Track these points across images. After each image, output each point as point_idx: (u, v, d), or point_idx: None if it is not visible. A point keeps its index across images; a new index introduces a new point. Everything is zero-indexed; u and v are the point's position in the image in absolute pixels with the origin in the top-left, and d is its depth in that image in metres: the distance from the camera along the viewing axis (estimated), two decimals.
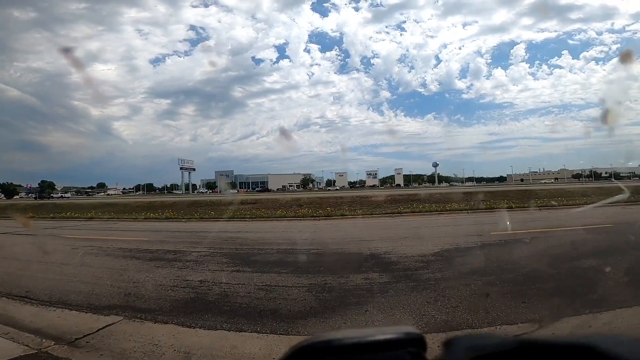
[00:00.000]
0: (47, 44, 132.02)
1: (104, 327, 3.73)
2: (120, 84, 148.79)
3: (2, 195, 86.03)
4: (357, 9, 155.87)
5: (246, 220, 15.65)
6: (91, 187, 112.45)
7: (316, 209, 18.55)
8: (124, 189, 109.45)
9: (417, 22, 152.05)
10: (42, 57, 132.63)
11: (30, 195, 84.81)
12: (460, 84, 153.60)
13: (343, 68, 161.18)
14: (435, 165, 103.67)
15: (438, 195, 26.21)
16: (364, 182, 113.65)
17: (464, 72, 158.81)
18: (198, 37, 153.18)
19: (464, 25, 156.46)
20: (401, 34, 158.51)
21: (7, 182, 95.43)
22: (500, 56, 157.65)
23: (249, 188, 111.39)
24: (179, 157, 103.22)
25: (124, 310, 4.25)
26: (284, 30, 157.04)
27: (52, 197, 72.66)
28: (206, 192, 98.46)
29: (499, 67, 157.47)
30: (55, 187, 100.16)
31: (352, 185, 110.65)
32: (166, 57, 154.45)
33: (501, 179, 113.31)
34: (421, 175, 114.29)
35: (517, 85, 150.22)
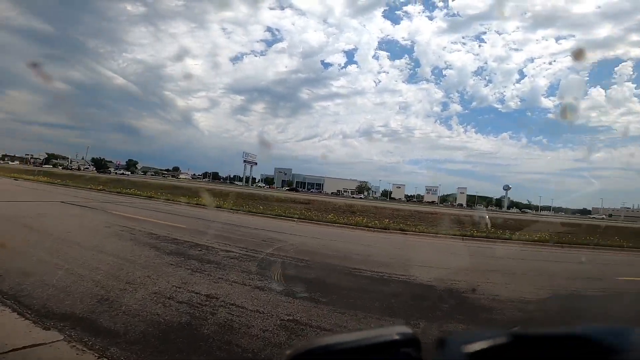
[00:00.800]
0: (151, 37, 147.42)
1: (27, 347, 2.37)
2: (204, 79, 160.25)
3: (94, 168, 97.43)
4: (431, 18, 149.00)
5: (294, 220, 14.25)
6: (167, 170, 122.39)
7: (371, 218, 16.55)
8: (194, 174, 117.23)
9: (500, 34, 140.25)
10: (145, 49, 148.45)
11: (126, 172, 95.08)
12: (547, 102, 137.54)
13: (412, 77, 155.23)
14: (506, 188, 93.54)
15: (512, 221, 22.46)
16: (422, 197, 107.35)
17: (552, 90, 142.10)
18: (273, 38, 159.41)
19: (557, 39, 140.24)
20: (480, 46, 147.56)
21: (100, 157, 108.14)
22: (601, 74, 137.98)
23: (304, 188, 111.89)
24: (243, 150, 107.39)
25: (77, 325, 2.87)
26: (354, 35, 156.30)
27: (111, 172, 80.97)
28: (263, 186, 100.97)
29: (598, 87, 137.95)
30: (136, 166, 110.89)
31: (409, 198, 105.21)
32: (244, 56, 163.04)
33: (584, 212, 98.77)
34: (487, 197, 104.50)
35: (619, 108, 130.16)
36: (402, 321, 3.77)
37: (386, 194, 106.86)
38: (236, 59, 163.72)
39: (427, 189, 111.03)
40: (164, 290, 3.96)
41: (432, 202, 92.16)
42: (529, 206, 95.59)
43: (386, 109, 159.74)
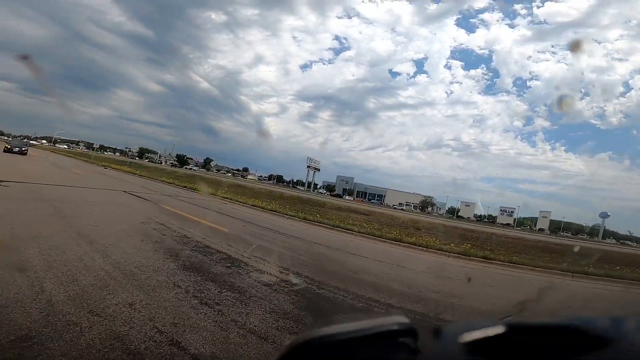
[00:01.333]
0: (231, 45, 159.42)
1: None
2: (275, 85, 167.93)
3: (177, 162, 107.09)
4: (512, 26, 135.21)
5: (352, 234, 12.37)
6: (238, 170, 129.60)
7: (441, 239, 13.90)
8: (260, 176, 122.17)
9: (599, 43, 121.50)
10: (226, 56, 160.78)
11: (194, 167, 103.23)
12: None
13: (489, 89, 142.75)
14: (604, 216, 79.11)
15: (617, 254, 17.66)
16: (494, 217, 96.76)
17: None
18: (341, 46, 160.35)
19: None
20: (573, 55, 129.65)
21: (183, 154, 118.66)
22: None
23: (364, 198, 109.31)
24: (307, 156, 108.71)
25: None
26: (423, 44, 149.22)
27: (186, 167, 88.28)
28: (324, 193, 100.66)
29: None
30: (211, 163, 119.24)
31: (479, 218, 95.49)
32: (313, 64, 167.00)
33: None
34: (575, 223, 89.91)
35: None
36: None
37: (453, 212, 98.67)
38: (305, 66, 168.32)
39: (501, 210, 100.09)
40: (135, 333, 2.44)
41: (507, 225, 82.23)
42: (629, 237, 79.90)
43: (458, 121, 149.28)
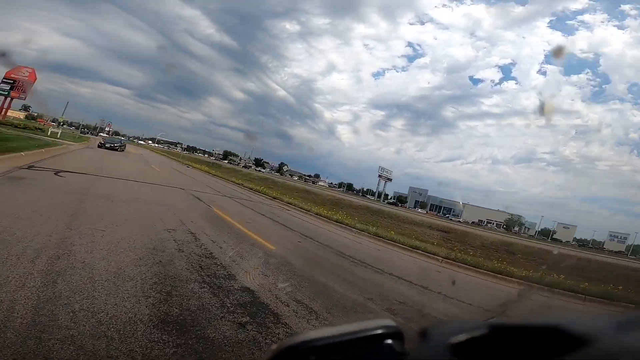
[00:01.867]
0: (305, 53, 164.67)
1: None
2: (348, 93, 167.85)
3: (254, 165, 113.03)
4: (621, 28, 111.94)
5: (437, 259, 9.52)
6: (309, 176, 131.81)
7: (550, 270, 10.07)
8: (331, 183, 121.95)
9: None
10: (300, 64, 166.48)
11: (271, 170, 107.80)
12: None
13: (597, 96, 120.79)
14: None
15: None
16: (601, 243, 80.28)
17: None
18: (414, 53, 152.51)
19: None
20: None
21: (260, 158, 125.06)
22: None
23: (438, 212, 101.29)
24: (379, 165, 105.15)
25: None
26: (510, 49, 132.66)
27: (256, 169, 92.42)
28: (396, 204, 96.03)
29: None
30: (284, 168, 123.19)
31: (581, 243, 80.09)
32: (385, 71, 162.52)
33: None
34: None
35: None
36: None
37: (547, 234, 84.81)
38: (378, 74, 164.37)
39: (610, 235, 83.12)
40: None
41: (618, 252, 67.11)
42: None
43: (556, 132, 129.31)
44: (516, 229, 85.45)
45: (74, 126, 72.60)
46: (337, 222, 13.16)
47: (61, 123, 42.45)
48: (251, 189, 19.95)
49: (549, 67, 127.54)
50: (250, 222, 8.09)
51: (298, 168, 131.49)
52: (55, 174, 8.49)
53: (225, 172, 33.54)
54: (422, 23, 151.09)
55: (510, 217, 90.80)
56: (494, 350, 0.55)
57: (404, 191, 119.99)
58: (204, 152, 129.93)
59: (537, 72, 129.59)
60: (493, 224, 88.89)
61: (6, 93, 31.18)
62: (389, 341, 0.59)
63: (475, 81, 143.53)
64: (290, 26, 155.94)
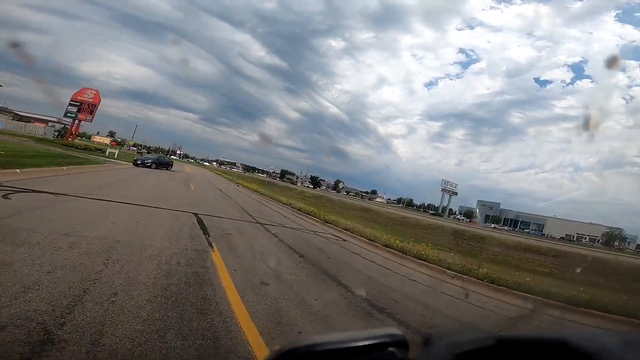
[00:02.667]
0: (353, 69, 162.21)
1: None
2: (400, 105, 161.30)
3: (311, 185, 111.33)
4: None
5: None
6: (366, 192, 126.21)
7: None
8: (389, 199, 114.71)
9: None
10: (349, 80, 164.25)
11: (327, 188, 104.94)
12: None
13: None
14: None
15: None
16: None
17: None
18: (468, 59, 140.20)
19: None
20: None
21: (316, 176, 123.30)
22: None
23: (514, 227, 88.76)
24: (442, 178, 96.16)
25: None
26: (577, 46, 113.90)
27: (305, 186, 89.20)
28: (462, 219, 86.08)
29: None
30: (342, 186, 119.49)
31: None
32: (438, 80, 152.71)
33: None
34: None
35: None
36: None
37: None
38: (430, 84, 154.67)
39: None
40: None
41: None
42: None
43: None
44: (617, 243, 70.32)
45: (145, 149, 78.08)
46: (400, 252, 8.68)
47: (124, 145, 44.32)
48: (299, 209, 16.25)
49: (627, 63, 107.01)
50: (268, 284, 4.19)
51: (354, 185, 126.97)
52: (3, 196, 5.67)
53: (278, 191, 30.84)
54: (471, 27, 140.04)
55: (608, 230, 75.57)
56: None
57: (469, 205, 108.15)
58: (262, 171, 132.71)
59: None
60: (585, 238, 74.66)
61: (74, 116, 32.08)
62: (393, 349, 0.58)
63: (543, 83, 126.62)
64: (336, 43, 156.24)
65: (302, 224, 11.36)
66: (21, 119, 50.00)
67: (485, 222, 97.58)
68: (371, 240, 10.02)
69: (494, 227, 71.38)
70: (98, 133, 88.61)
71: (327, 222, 12.70)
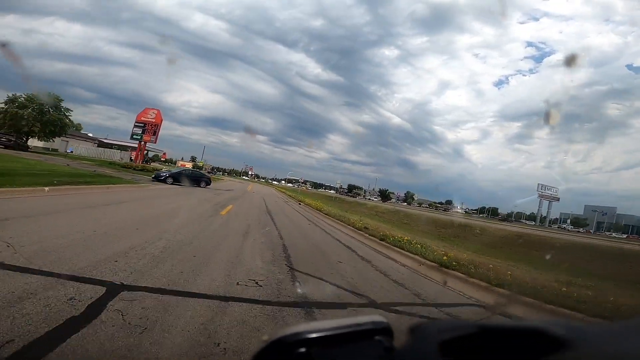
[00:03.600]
0: (411, 76, 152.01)
1: None
2: (469, 109, 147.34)
3: (380, 197, 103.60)
4: None
5: None
6: (440, 203, 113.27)
7: None
8: (467, 209, 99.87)
9: None
10: (410, 88, 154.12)
11: (397, 200, 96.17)
12: None
13: None
14: None
15: None
16: None
17: None
18: (540, 52, 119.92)
19: None
20: None
21: (385, 189, 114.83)
22: None
23: (635, 233, 72.75)
24: (538, 183, 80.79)
25: None
26: None
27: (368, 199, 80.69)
28: (569, 228, 70.95)
29: None
30: (413, 197, 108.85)
31: None
32: (509, 78, 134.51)
33: None
34: None
35: None
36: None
37: None
38: (500, 82, 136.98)
39: None
40: None
41: None
42: None
43: None
44: None
45: (218, 170, 79.86)
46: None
47: (202, 168, 43.81)
48: (371, 235, 10.41)
49: None
50: None
51: (425, 196, 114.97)
52: None
53: (347, 207, 25.57)
54: (536, 19, 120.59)
55: None
56: (481, 350, 0.54)
57: (568, 211, 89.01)
58: (330, 187, 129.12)
59: None
60: None
61: (139, 137, 31.64)
62: (378, 337, 0.58)
63: (638, 70, 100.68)
64: (389, 52, 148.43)
65: (378, 258, 5.77)
66: (103, 145, 54.45)
67: (599, 229, 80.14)
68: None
69: (626, 237, 55.97)
70: (182, 159, 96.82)
71: (413, 257, 6.82)
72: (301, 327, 0.55)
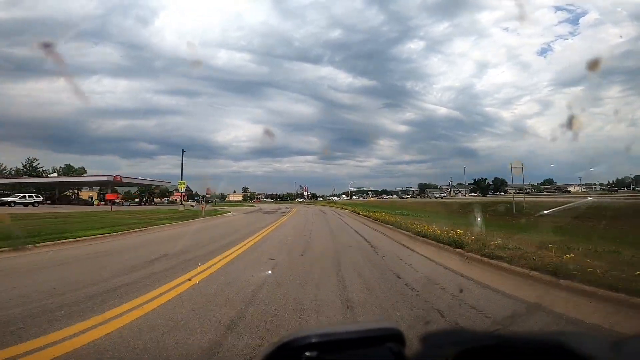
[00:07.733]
0: (445, 64, 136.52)
1: None
2: (518, 83, 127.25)
3: (475, 192, 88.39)
4: None
5: None
6: (533, 185, 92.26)
7: None
8: (592, 184, 74.31)
9: None
10: (447, 76, 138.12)
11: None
12: None
13: None
14: None
15: None
16: None
17: None
18: (572, 15, 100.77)
19: None
20: None
21: (483, 178, 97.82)
22: None
23: None
24: (621, 145, 59.48)
25: None
26: None
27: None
28: None
29: None
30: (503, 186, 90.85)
31: None
32: (551, 45, 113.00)
33: None
34: None
35: None
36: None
37: None
38: (544, 51, 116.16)
39: None
40: None
41: None
42: None
43: None
44: None
45: (271, 198, 75.96)
46: None
47: (253, 198, 39.41)
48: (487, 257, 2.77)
49: None
50: None
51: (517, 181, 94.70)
52: None
53: (436, 214, 16.66)
54: None
55: None
56: None
57: None
58: (392, 193, 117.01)
59: None
60: None
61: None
62: (389, 344, 0.57)
63: None
64: (414, 45, 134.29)
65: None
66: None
67: None
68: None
69: None
70: (234, 191, 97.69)
71: None
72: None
